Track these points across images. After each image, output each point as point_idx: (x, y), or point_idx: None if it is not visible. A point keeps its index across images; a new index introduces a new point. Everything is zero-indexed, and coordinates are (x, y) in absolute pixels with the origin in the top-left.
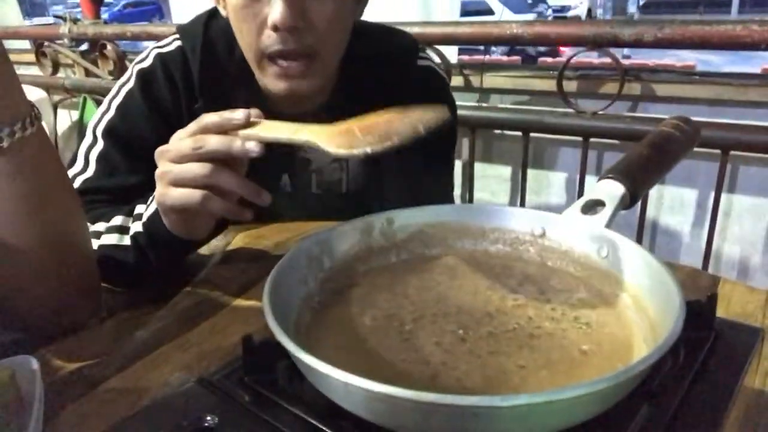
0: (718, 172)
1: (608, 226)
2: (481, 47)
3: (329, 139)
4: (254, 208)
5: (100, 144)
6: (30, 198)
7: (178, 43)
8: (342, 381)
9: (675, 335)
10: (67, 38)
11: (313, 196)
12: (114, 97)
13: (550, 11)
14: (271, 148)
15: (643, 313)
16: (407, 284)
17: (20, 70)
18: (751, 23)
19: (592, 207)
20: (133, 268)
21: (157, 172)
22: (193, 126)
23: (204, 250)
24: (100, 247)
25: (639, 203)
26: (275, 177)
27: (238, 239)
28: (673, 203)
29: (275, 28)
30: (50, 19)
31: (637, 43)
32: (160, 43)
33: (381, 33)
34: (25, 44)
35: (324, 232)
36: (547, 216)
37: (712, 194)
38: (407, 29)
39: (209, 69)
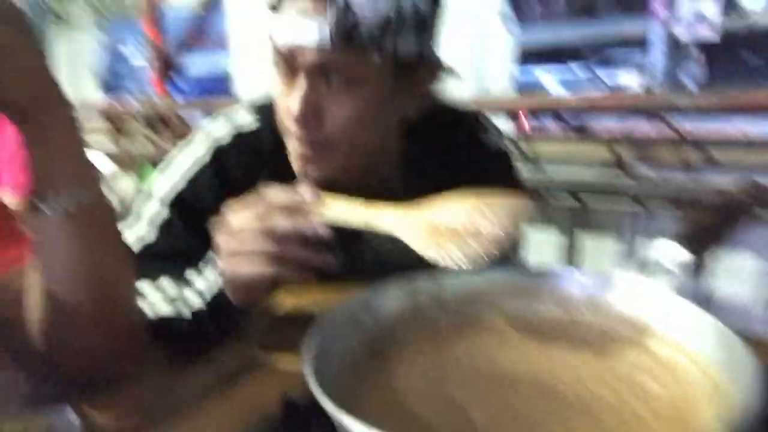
0: None
1: (670, 289)
2: None
3: (415, 235)
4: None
5: (165, 213)
6: (86, 260)
7: (256, 123)
8: None
9: (753, 403)
10: (138, 112)
11: (363, 269)
12: (183, 165)
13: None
14: None
15: (709, 379)
16: (454, 347)
17: (91, 140)
18: None
19: (653, 270)
20: (187, 338)
21: (222, 247)
22: (259, 204)
23: None
24: (153, 314)
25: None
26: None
27: (284, 300)
28: (730, 269)
29: (294, 120)
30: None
31: (695, 110)
32: (237, 119)
33: (444, 111)
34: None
35: (368, 292)
36: (604, 276)
37: None
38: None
39: (278, 149)
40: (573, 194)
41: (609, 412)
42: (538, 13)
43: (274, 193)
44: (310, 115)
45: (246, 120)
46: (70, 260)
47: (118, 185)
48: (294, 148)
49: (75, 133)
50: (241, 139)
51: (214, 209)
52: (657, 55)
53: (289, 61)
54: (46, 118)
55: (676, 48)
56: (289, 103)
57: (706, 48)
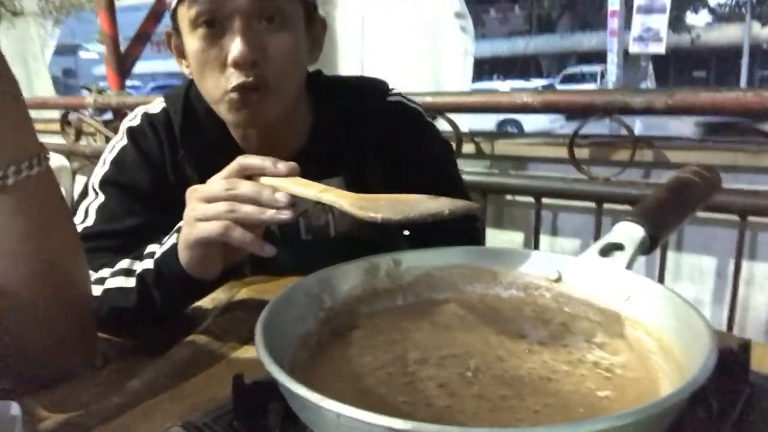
0: (738, 238)
1: (628, 268)
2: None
3: (354, 202)
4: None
5: (101, 197)
6: (30, 237)
7: (163, 105)
8: (334, 411)
9: (706, 372)
10: (92, 107)
11: (302, 243)
12: (108, 154)
13: None
14: None
15: (670, 357)
16: (413, 326)
17: (45, 139)
18: (762, 90)
19: (610, 250)
20: (133, 313)
21: (186, 210)
22: (233, 165)
23: (207, 303)
24: (105, 291)
25: (657, 273)
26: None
27: (242, 293)
28: (692, 272)
29: (236, 65)
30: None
31: (648, 110)
32: (148, 106)
33: (351, 80)
34: (54, 115)
35: (326, 270)
36: (563, 259)
37: (732, 261)
38: (420, 99)
39: (189, 124)
40: (534, 195)
41: (574, 392)
42: (498, 27)
43: (249, 158)
44: (257, 54)
45: (154, 106)
46: (10, 236)
47: (73, 185)
48: (232, 101)
49: (16, 103)
50: (150, 120)
51: (141, 183)
52: (612, 68)
53: (216, 12)
54: None
55: (629, 61)
56: (228, 54)
57: (655, 61)
